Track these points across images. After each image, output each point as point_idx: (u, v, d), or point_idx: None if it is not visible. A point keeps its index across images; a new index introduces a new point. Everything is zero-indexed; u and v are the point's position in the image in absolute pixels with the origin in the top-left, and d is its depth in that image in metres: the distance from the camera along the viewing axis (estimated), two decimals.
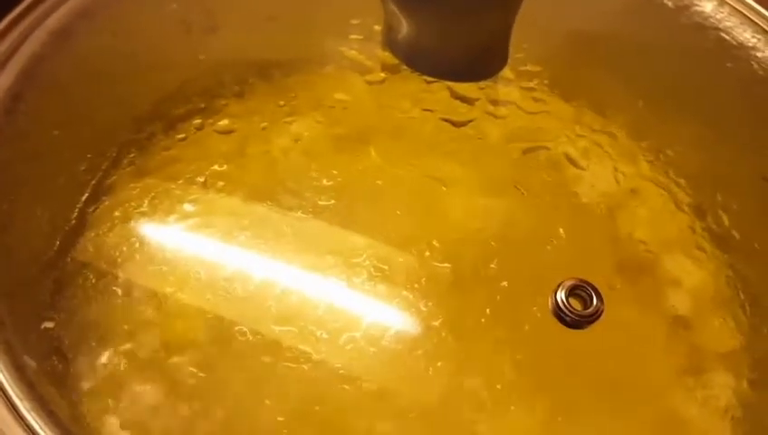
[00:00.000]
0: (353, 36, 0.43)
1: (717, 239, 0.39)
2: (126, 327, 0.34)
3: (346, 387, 0.31)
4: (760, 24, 0.42)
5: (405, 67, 0.41)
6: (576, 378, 0.33)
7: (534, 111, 0.41)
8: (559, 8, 0.44)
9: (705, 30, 0.43)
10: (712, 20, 0.43)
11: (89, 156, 0.39)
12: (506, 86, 0.42)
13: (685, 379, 0.35)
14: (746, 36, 0.43)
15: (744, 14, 0.43)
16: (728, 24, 0.43)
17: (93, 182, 0.38)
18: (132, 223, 0.37)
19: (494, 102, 0.41)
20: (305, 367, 0.32)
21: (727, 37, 0.43)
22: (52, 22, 0.38)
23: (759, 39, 0.41)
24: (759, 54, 0.41)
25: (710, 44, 0.43)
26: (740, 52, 0.42)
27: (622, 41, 0.43)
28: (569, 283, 0.34)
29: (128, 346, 0.33)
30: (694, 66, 0.43)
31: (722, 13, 0.43)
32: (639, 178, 0.39)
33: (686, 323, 0.36)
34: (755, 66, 0.41)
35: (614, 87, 0.43)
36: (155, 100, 0.41)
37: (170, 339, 0.33)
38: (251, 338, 0.33)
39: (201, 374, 0.32)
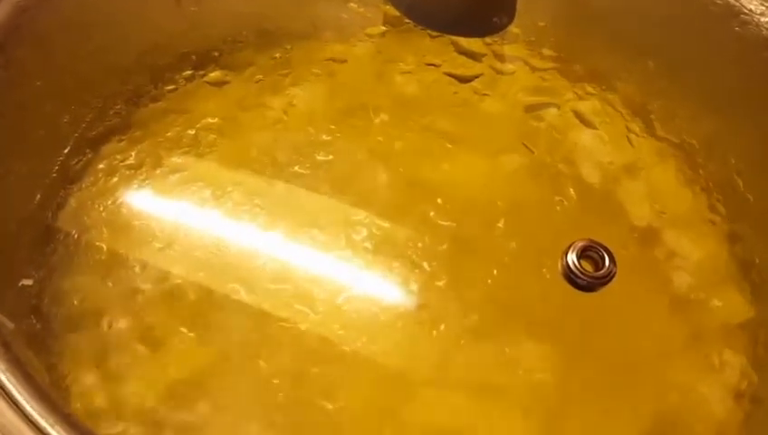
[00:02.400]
0: None
1: (731, 203, 0.37)
2: (110, 285, 0.32)
3: (345, 348, 0.30)
4: None
5: (407, 20, 0.39)
6: (586, 342, 0.32)
7: (543, 68, 0.39)
8: None
9: None
10: None
11: (72, 107, 0.36)
12: (513, 42, 0.40)
13: (693, 347, 0.33)
14: (755, 3, 0.42)
15: None
16: None
17: (76, 135, 0.36)
18: (117, 177, 0.35)
19: (501, 58, 0.39)
20: (302, 327, 0.30)
21: (735, 3, 0.41)
22: None
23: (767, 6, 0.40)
24: (765, 20, 0.40)
25: (718, 9, 0.41)
26: (748, 17, 0.41)
27: (631, 1, 0.42)
28: (580, 244, 0.32)
29: (111, 306, 0.31)
30: (702, 29, 0.42)
31: None
32: (653, 139, 0.38)
33: (699, 289, 0.35)
34: (765, 32, 0.40)
35: (623, 47, 0.41)
36: (143, 51, 0.39)
37: (157, 298, 0.31)
38: (244, 297, 0.31)
39: (191, 334, 0.30)
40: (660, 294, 0.35)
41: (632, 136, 0.38)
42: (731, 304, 0.35)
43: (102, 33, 0.38)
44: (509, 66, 0.39)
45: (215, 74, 0.38)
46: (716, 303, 0.35)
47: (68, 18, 0.37)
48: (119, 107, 0.37)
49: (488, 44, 0.39)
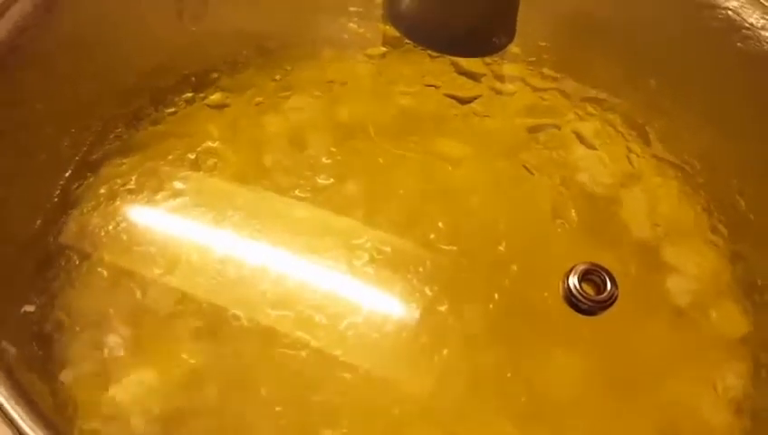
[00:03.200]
0: (352, 9, 0.41)
1: (733, 223, 0.37)
2: (111, 311, 0.32)
3: (346, 375, 0.30)
4: (767, 5, 0.41)
5: (407, 41, 0.39)
6: (589, 365, 0.32)
7: (543, 88, 0.39)
8: None
9: (713, 9, 0.42)
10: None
11: (72, 130, 0.36)
12: (513, 62, 0.40)
13: (694, 365, 0.33)
14: (755, 17, 0.41)
15: None
16: (736, 3, 0.42)
17: (77, 158, 0.36)
18: (118, 201, 0.35)
19: (501, 78, 0.39)
20: (303, 354, 0.30)
21: (736, 17, 0.41)
22: None
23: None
24: (767, 34, 0.40)
25: (719, 24, 0.41)
26: (749, 32, 0.41)
27: (632, 19, 0.42)
28: (581, 267, 0.32)
29: (113, 332, 0.31)
30: (704, 45, 0.42)
31: None
32: (653, 159, 0.38)
33: (699, 305, 0.34)
34: (767, 46, 0.40)
35: (625, 65, 0.41)
36: (143, 72, 0.39)
37: (158, 324, 0.31)
38: (245, 323, 0.31)
39: (192, 361, 0.30)
40: (662, 314, 0.35)
41: (633, 156, 0.38)
42: (732, 323, 0.35)
43: (103, 53, 0.38)
44: (509, 86, 0.39)
45: (215, 96, 0.38)
46: (717, 322, 0.34)
47: (69, 38, 0.37)
48: (119, 130, 0.37)
49: (488, 64, 0.39)
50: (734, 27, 0.40)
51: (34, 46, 0.36)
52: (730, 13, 0.41)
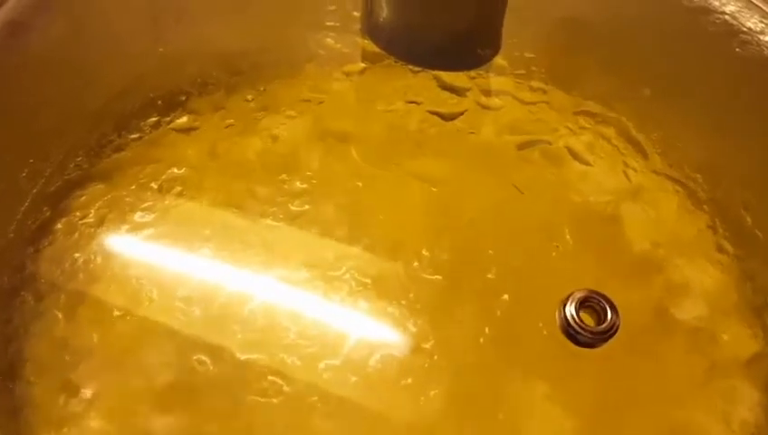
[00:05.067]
0: (329, 23, 0.39)
1: (739, 240, 0.35)
2: (68, 358, 0.29)
3: (324, 424, 0.27)
4: (765, 8, 0.39)
5: (387, 55, 0.37)
6: (591, 401, 0.29)
7: (532, 102, 0.37)
8: None
9: (710, 14, 0.40)
10: (716, 3, 0.40)
11: (31, 160, 0.34)
12: (500, 75, 0.37)
13: (706, 391, 0.31)
14: (754, 21, 0.40)
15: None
16: (733, 8, 0.40)
17: (34, 191, 0.34)
18: (77, 236, 0.32)
19: (487, 93, 0.37)
20: (275, 401, 0.27)
21: (734, 22, 0.39)
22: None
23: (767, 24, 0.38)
24: (766, 39, 0.38)
25: (716, 29, 0.39)
26: (748, 36, 0.39)
27: (623, 26, 0.40)
28: (579, 294, 0.30)
29: (69, 379, 0.29)
30: (701, 52, 0.40)
31: None
32: (652, 174, 0.35)
33: (707, 330, 0.32)
34: (767, 51, 0.38)
35: (618, 75, 0.39)
36: (108, 96, 0.36)
37: (118, 370, 0.28)
38: (212, 368, 0.28)
39: (154, 414, 0.27)
40: (667, 341, 0.32)
41: (630, 171, 0.35)
42: (742, 346, 0.32)
43: (68, 77, 0.36)
44: (496, 101, 0.37)
45: (182, 120, 0.36)
46: (727, 346, 0.32)
47: (33, 63, 0.35)
48: (80, 159, 0.35)
49: (473, 78, 0.37)
50: (731, 32, 0.39)
51: None
52: (727, 17, 0.40)
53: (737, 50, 0.38)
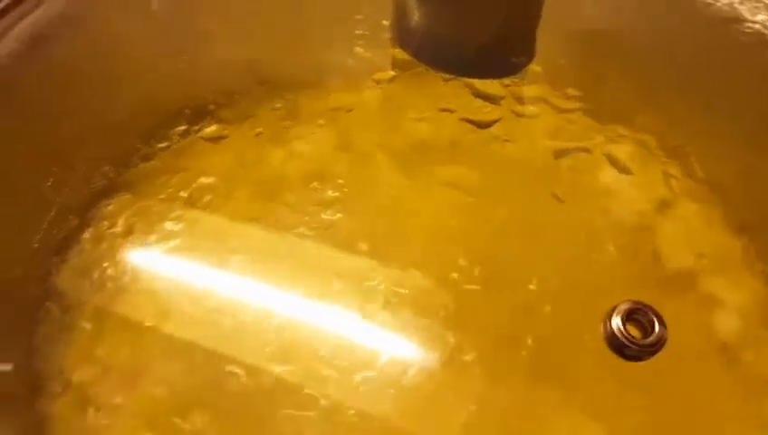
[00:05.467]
0: (358, 32, 0.38)
1: None
2: (97, 369, 0.28)
3: None
4: None
5: (418, 64, 0.36)
6: (640, 417, 0.28)
7: (568, 109, 0.36)
8: (587, 3, 0.39)
9: (741, 23, 0.39)
10: (746, 14, 0.39)
11: (55, 169, 0.33)
12: (534, 82, 0.37)
13: (753, 406, 0.29)
14: None
15: None
16: (764, 17, 0.39)
17: (60, 200, 0.33)
18: (104, 246, 0.31)
19: (522, 100, 0.36)
20: (311, 414, 0.26)
21: (766, 31, 0.39)
22: (24, 28, 0.35)
23: None
24: None
25: (748, 39, 0.39)
26: None
27: (655, 37, 0.39)
28: (624, 306, 0.28)
29: (99, 391, 0.28)
30: (734, 61, 0.39)
31: (757, 6, 0.40)
32: (693, 183, 0.34)
33: (743, 347, 0.31)
34: None
35: (652, 83, 0.38)
36: (134, 105, 0.36)
37: (149, 382, 0.28)
38: (245, 380, 0.27)
39: (185, 426, 0.26)
40: (712, 355, 0.31)
41: (671, 180, 0.34)
42: None
43: (95, 86, 0.35)
44: (531, 108, 0.36)
45: (211, 129, 0.35)
46: (762, 360, 0.31)
47: (55, 74, 0.35)
48: (106, 168, 0.34)
49: (507, 86, 0.36)
50: (764, 42, 0.38)
51: (16, 82, 0.33)
52: (758, 26, 0.39)
53: None
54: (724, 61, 0.39)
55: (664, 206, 0.34)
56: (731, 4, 0.40)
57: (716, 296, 0.32)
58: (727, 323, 0.31)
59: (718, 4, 0.40)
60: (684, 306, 0.31)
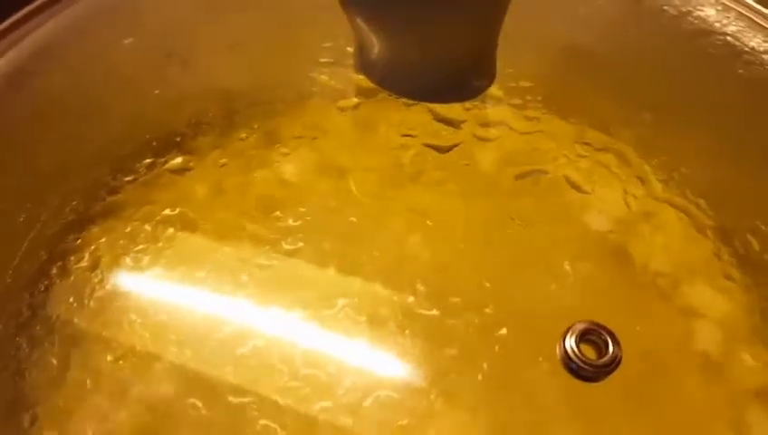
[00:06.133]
0: (323, 60, 0.39)
1: (747, 266, 0.34)
2: (61, 404, 0.29)
3: None
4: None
5: (381, 90, 0.37)
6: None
7: (528, 131, 0.36)
8: (549, 19, 0.40)
9: (710, 35, 0.39)
10: (717, 25, 0.39)
11: (28, 205, 0.34)
12: (495, 105, 0.37)
13: (716, 422, 0.30)
14: (757, 41, 0.39)
15: (751, 18, 0.40)
16: (734, 28, 0.40)
17: (31, 235, 0.34)
18: (72, 280, 0.32)
19: (483, 124, 0.36)
20: None
21: (736, 43, 0.39)
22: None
23: None
24: None
25: (717, 51, 0.39)
26: (751, 57, 0.38)
27: (621, 51, 0.40)
28: (579, 326, 0.29)
29: (63, 428, 0.28)
30: (702, 74, 0.39)
31: (727, 17, 0.40)
32: (653, 201, 0.35)
33: (717, 361, 0.31)
34: None
35: (616, 101, 0.38)
36: (105, 140, 0.36)
37: (110, 420, 0.28)
38: (205, 413, 0.27)
39: None
40: (674, 373, 0.31)
41: (630, 198, 0.35)
42: (752, 371, 0.31)
43: (69, 122, 0.36)
44: (492, 132, 0.36)
45: (176, 161, 0.36)
46: (737, 377, 0.31)
47: (33, 112, 0.35)
48: (75, 202, 0.35)
49: (468, 110, 0.37)
50: (734, 53, 0.38)
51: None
52: (729, 38, 0.39)
53: (740, 71, 0.38)
54: (695, 74, 0.39)
55: (625, 224, 0.34)
56: (700, 18, 0.40)
57: (680, 312, 0.32)
58: (692, 339, 0.31)
59: (688, 18, 0.40)
60: (645, 324, 0.32)
